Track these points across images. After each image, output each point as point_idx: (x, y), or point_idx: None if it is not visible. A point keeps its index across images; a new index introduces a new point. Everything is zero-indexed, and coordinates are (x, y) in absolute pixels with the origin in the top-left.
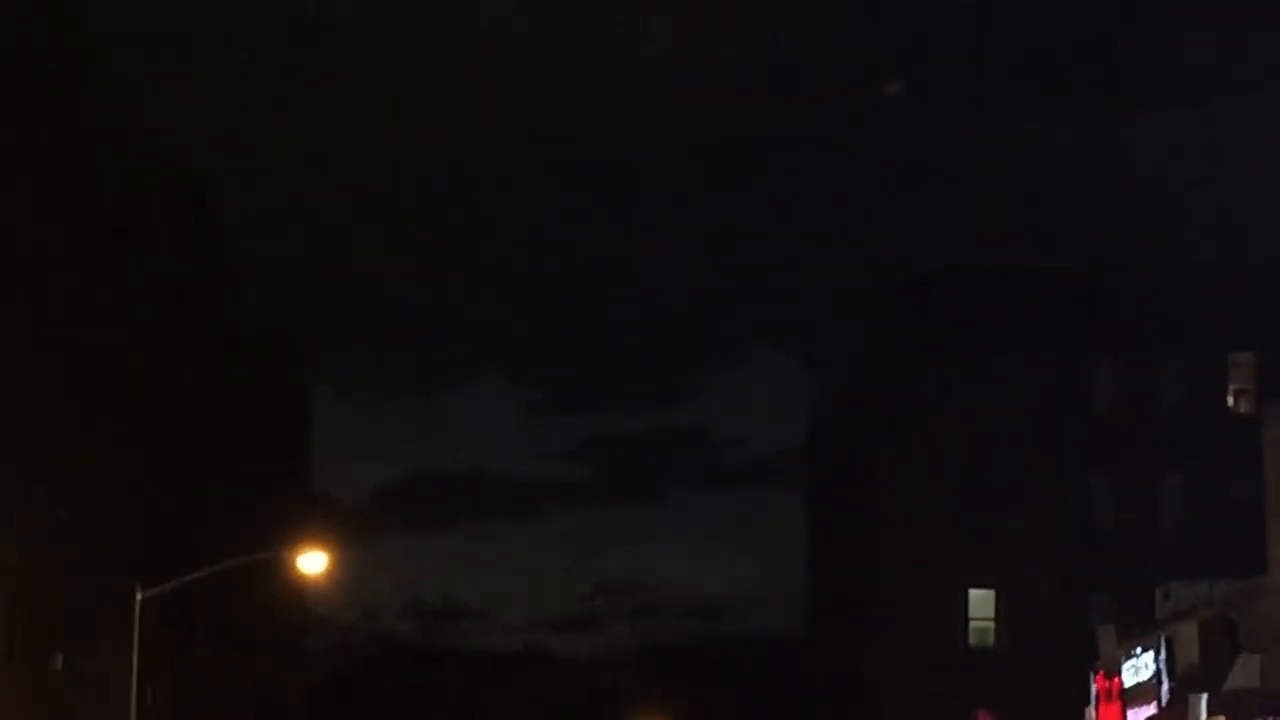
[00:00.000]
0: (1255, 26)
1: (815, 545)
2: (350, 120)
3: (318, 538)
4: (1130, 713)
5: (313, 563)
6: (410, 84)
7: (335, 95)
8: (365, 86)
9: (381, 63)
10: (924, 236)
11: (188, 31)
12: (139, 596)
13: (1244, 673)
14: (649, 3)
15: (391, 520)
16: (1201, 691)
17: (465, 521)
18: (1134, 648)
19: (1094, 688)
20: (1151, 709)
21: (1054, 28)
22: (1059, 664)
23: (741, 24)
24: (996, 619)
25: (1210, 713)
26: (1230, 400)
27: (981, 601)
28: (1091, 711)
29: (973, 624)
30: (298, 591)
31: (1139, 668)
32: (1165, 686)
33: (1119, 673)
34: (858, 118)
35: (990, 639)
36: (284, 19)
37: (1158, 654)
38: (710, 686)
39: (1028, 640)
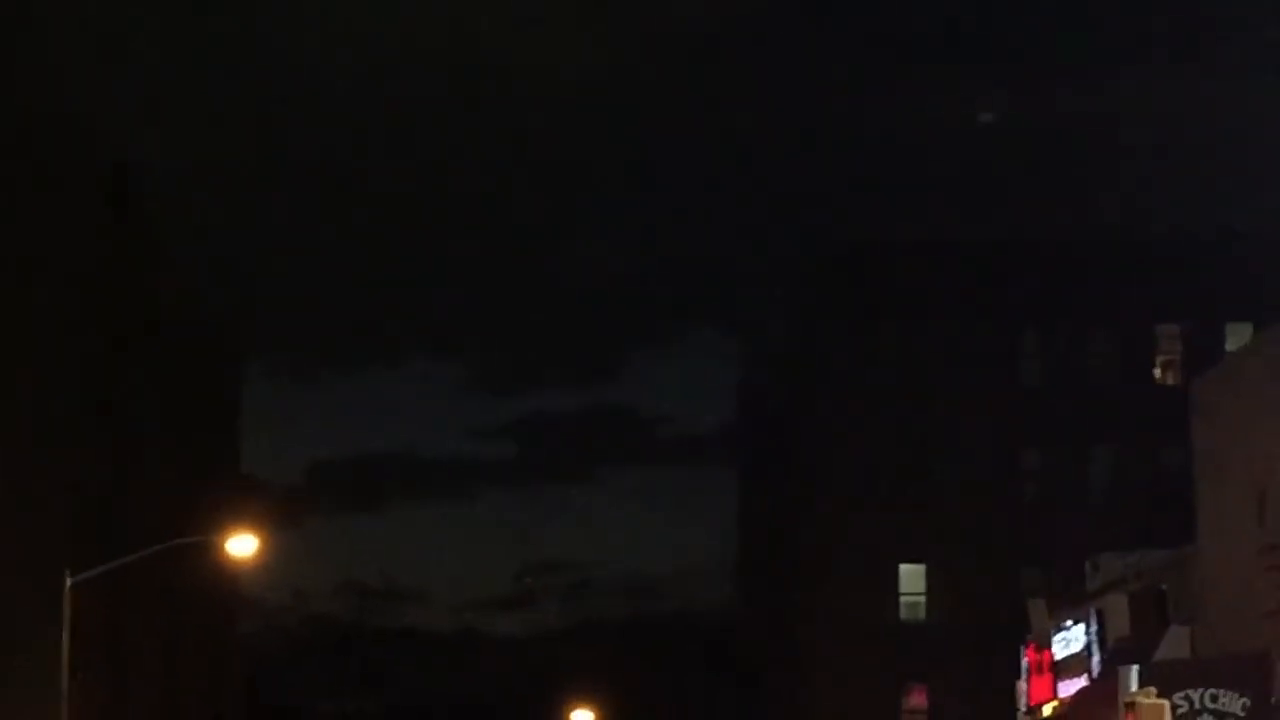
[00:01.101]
0: None
1: (748, 521)
2: (277, 98)
3: (248, 520)
4: (1061, 685)
5: (243, 545)
6: (336, 60)
7: (260, 72)
8: (290, 64)
9: (309, 37)
10: (852, 211)
11: (108, 7)
12: (68, 581)
13: (1174, 644)
14: None
15: (322, 501)
16: (1132, 663)
17: (397, 502)
18: (1064, 620)
19: (1025, 660)
20: (1082, 681)
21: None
22: (990, 637)
23: None
24: (927, 593)
25: (1141, 684)
26: (1158, 372)
27: (912, 576)
28: (1022, 684)
29: (904, 598)
30: (229, 574)
31: (1070, 640)
32: (1096, 659)
33: (1050, 645)
34: (786, 92)
35: (921, 613)
36: None
37: (1088, 626)
38: (645, 663)
39: (959, 614)
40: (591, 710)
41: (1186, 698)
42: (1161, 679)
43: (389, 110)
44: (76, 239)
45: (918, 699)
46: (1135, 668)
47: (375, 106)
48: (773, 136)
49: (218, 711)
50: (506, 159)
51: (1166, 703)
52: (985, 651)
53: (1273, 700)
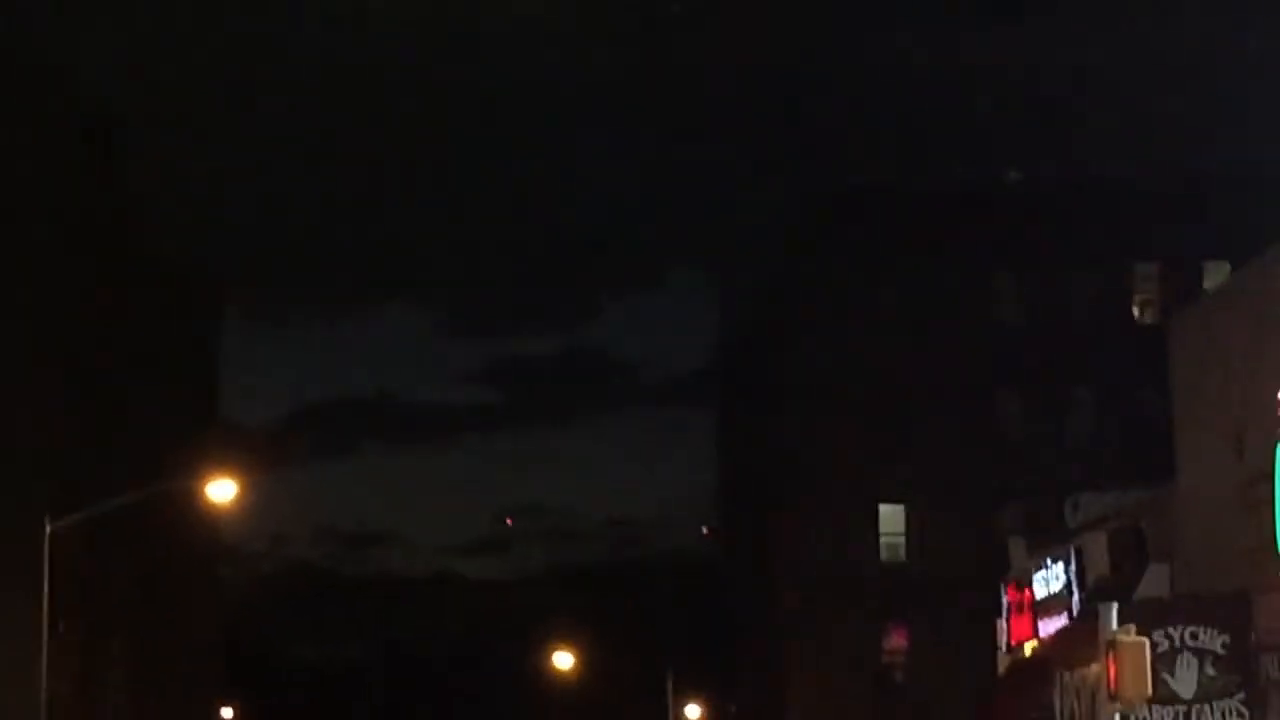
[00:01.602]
0: None
1: (727, 464)
2: (255, 49)
3: (226, 466)
4: (1041, 624)
5: (222, 491)
6: (320, 12)
7: (241, 21)
8: (271, 13)
9: None
10: (829, 155)
11: None
12: (48, 529)
13: (1153, 582)
14: None
15: (300, 447)
16: (1112, 601)
17: (374, 446)
18: (1044, 559)
19: (1005, 600)
20: (1063, 620)
21: None
22: (970, 577)
23: None
24: (907, 533)
25: (1121, 622)
26: (1136, 311)
27: (891, 516)
28: (1003, 623)
29: (883, 539)
30: (208, 520)
31: (1049, 579)
32: (1076, 597)
33: (1030, 584)
34: (767, 38)
35: (901, 554)
36: None
37: (1068, 565)
38: (624, 607)
39: (938, 554)
40: (572, 652)
41: (1167, 635)
42: (1141, 617)
43: (369, 59)
44: (55, 186)
45: (898, 639)
46: (1115, 606)
47: (356, 56)
48: (750, 84)
49: (197, 657)
50: (486, 107)
51: (1146, 640)
52: (965, 591)
53: (1253, 638)
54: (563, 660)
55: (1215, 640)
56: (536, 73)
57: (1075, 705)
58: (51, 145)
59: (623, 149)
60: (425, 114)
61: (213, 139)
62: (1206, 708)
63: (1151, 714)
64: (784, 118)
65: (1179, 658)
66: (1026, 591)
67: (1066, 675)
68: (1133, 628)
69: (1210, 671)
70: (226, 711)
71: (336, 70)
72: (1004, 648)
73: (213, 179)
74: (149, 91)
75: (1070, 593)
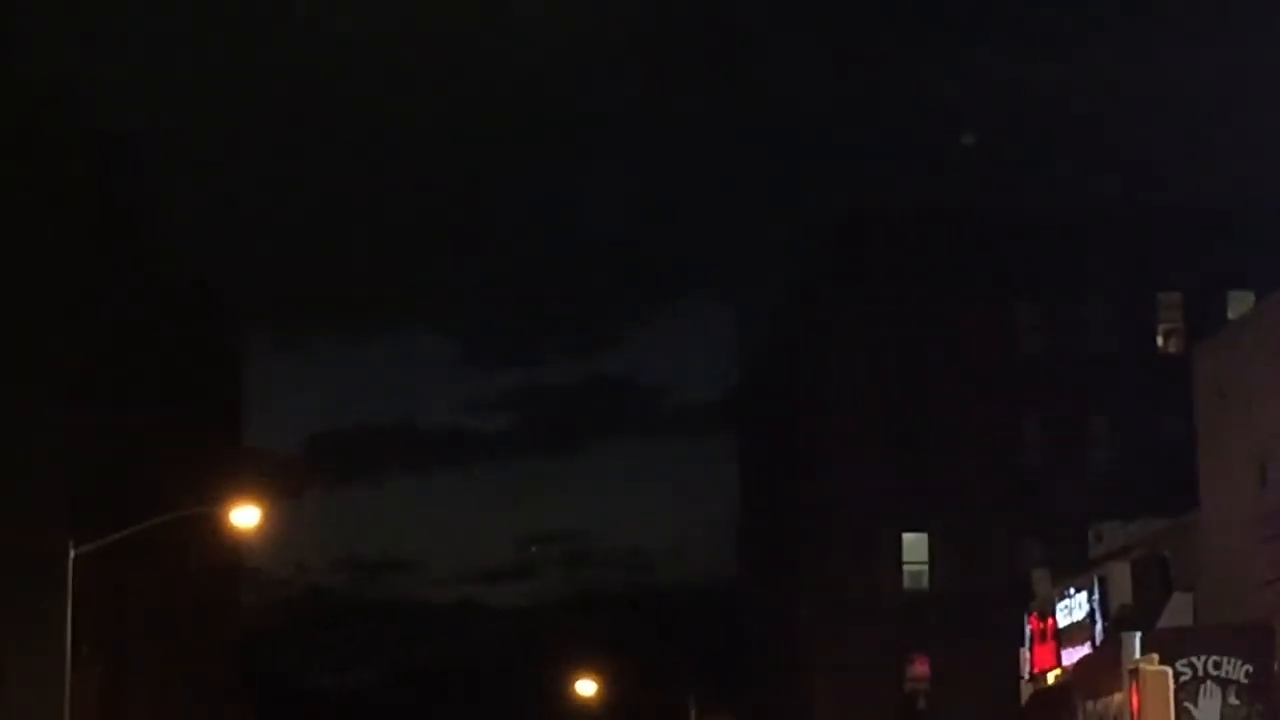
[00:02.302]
0: None
1: (748, 492)
2: (277, 70)
3: (249, 491)
4: (1065, 653)
5: (245, 516)
6: (335, 30)
7: (261, 43)
8: (291, 34)
9: (307, 8)
10: (850, 179)
11: None
12: (72, 553)
13: (1177, 611)
14: None
15: (322, 473)
16: (1135, 630)
17: (396, 473)
18: (1067, 588)
19: (1028, 629)
20: (1085, 649)
21: None
22: (993, 606)
23: None
24: (930, 562)
25: (1144, 651)
26: (1159, 340)
27: (915, 545)
28: (1026, 653)
29: (906, 567)
30: (231, 546)
31: (1072, 608)
32: (1099, 626)
33: (1053, 614)
34: (784, 59)
35: (924, 582)
36: None
37: (1091, 594)
38: (645, 635)
39: (961, 583)
40: (594, 679)
41: (1190, 664)
42: (1164, 646)
43: (385, 78)
44: (74, 209)
45: (921, 668)
46: (1138, 635)
47: (370, 75)
48: (770, 106)
49: (218, 683)
50: (503, 129)
51: (1169, 670)
52: (988, 620)
53: (1276, 668)
54: (585, 688)
55: (1239, 670)
56: (553, 100)
57: None
58: (69, 167)
59: (641, 172)
60: (448, 141)
61: (235, 162)
62: None
63: None
64: (805, 142)
65: (1202, 687)
66: (1050, 620)
67: (1090, 704)
68: (1156, 657)
69: (1233, 701)
70: None
71: (357, 95)
72: (1027, 676)
73: (234, 203)
74: (170, 116)
75: (1093, 622)
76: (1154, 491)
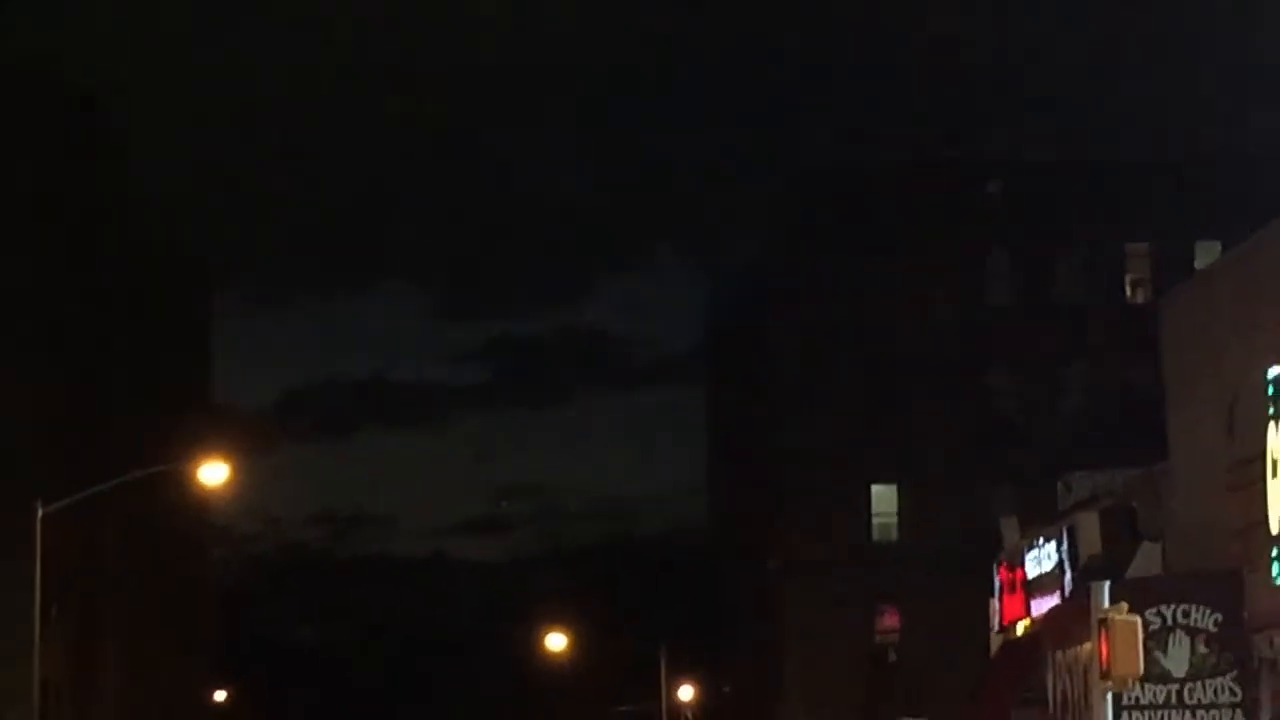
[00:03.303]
0: None
1: (719, 444)
2: (246, 29)
3: (220, 447)
4: (1034, 603)
5: (214, 473)
6: None
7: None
8: None
9: None
10: (820, 132)
11: None
12: (40, 512)
13: (1145, 561)
14: None
15: (295, 428)
16: (1104, 580)
17: (369, 427)
18: (1036, 538)
19: (997, 579)
20: (1055, 599)
21: None
22: (962, 557)
23: None
24: (899, 513)
25: (1113, 600)
26: (1127, 290)
27: (884, 496)
28: (995, 603)
29: (875, 519)
30: (200, 503)
31: (1041, 558)
32: (1068, 576)
33: (1022, 564)
34: (754, 16)
35: (893, 533)
36: None
37: (1060, 544)
38: (617, 587)
39: (930, 534)
40: (565, 633)
41: (1159, 613)
42: (1133, 595)
43: (362, 38)
44: (43, 167)
45: (890, 620)
46: (1107, 584)
47: (349, 34)
48: (740, 60)
49: (190, 639)
50: (479, 88)
51: (1138, 619)
52: (957, 571)
53: (1244, 616)
54: (556, 641)
55: (1207, 619)
56: (528, 54)
57: (1068, 684)
58: (40, 127)
59: (612, 127)
60: (418, 94)
61: (205, 120)
62: (1198, 686)
63: (1143, 692)
64: (774, 95)
65: (1171, 636)
66: (1018, 571)
67: (1059, 654)
68: (1125, 606)
69: (1202, 650)
70: (220, 694)
71: (329, 49)
72: (996, 627)
73: (204, 160)
74: (137, 72)
75: (1062, 572)
76: (1124, 441)
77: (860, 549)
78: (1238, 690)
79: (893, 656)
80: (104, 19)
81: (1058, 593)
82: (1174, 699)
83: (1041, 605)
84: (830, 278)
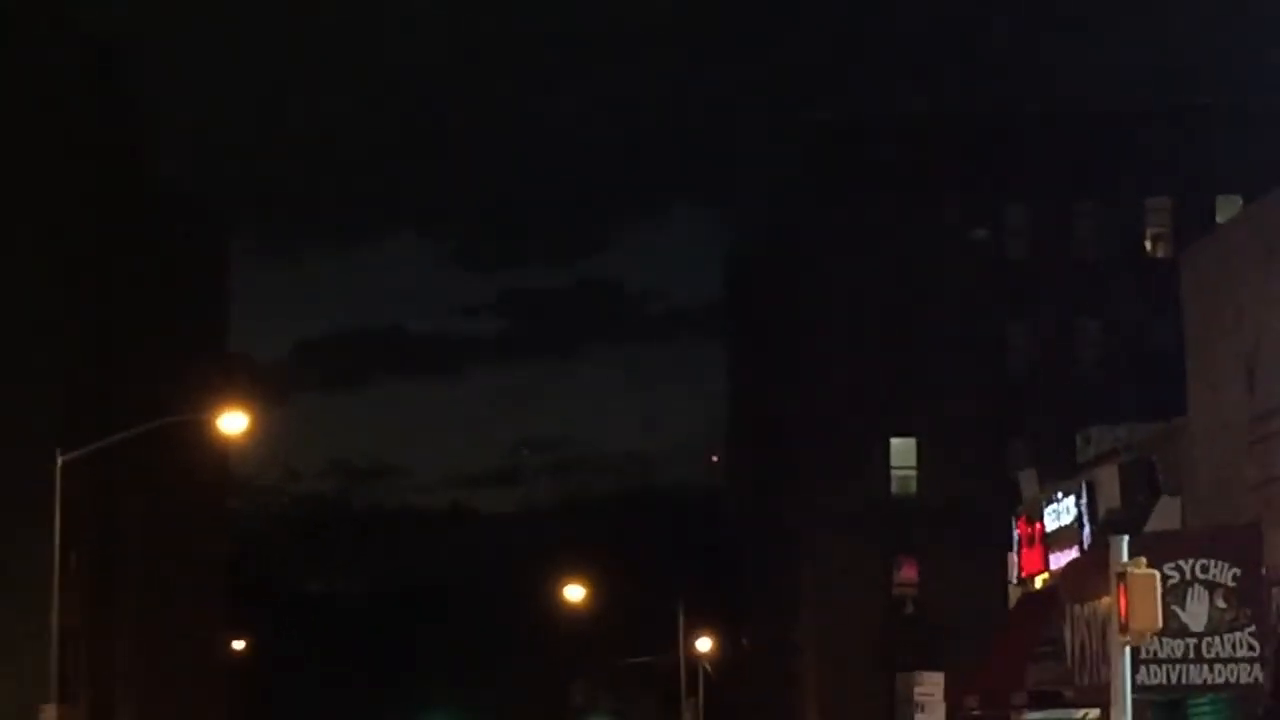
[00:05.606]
0: None
1: (736, 397)
2: None
3: (237, 398)
4: (1052, 557)
5: (233, 423)
6: None
7: None
8: None
9: None
10: (838, 84)
11: None
12: (59, 460)
13: (1164, 515)
14: None
15: (310, 379)
16: (1122, 534)
17: (385, 379)
18: (1055, 493)
19: (1016, 533)
20: (1073, 553)
21: None
22: (981, 511)
23: None
24: (918, 466)
25: (1131, 555)
26: (1147, 244)
27: (903, 450)
28: (1014, 557)
29: (894, 472)
30: (219, 453)
31: (1060, 512)
32: (1086, 530)
33: (1041, 518)
34: None
35: (912, 487)
36: None
37: (1078, 498)
38: (635, 539)
39: (949, 487)
40: (583, 584)
41: (1177, 568)
42: (1152, 550)
43: None
44: (61, 115)
45: (908, 572)
46: (1125, 539)
47: None
48: (759, 10)
49: (206, 588)
50: (490, 35)
51: (1157, 573)
52: (976, 524)
53: (1263, 571)
54: (574, 593)
55: (1226, 573)
56: (542, 5)
57: (1086, 638)
58: (59, 76)
59: (628, 78)
60: (433, 46)
61: (223, 71)
62: (1216, 640)
63: (1161, 646)
64: (793, 45)
65: (1189, 590)
66: (1037, 525)
67: (1077, 608)
68: (1143, 560)
69: (1221, 604)
70: (238, 643)
71: (346, 4)
72: (1014, 580)
73: (220, 111)
74: (156, 19)
75: (1081, 526)
76: (1143, 396)
77: (879, 502)
78: (1256, 645)
79: (910, 609)
80: None
81: (1076, 546)
82: (1192, 653)
83: (1060, 559)
84: (848, 230)
